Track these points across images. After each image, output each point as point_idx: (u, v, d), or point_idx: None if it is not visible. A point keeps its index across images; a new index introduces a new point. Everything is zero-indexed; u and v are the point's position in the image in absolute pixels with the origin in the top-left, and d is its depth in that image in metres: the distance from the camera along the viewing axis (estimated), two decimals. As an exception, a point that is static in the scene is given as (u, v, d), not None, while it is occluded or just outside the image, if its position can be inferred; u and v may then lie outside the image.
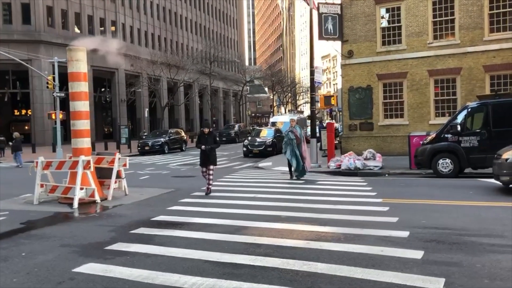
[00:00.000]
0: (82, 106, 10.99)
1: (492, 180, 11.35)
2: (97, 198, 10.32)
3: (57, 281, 5.15)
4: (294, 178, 14.48)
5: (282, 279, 4.98)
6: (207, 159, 11.28)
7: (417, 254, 5.69)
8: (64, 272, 5.46)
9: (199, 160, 11.90)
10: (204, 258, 5.82)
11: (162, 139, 32.28)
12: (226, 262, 5.66)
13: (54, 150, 29.81)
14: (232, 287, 4.80)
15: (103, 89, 51.36)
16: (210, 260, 5.73)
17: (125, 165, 11.22)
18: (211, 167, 11.30)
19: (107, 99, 51.63)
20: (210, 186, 11.35)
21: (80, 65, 10.86)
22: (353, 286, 4.73)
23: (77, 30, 46.49)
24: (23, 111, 48.04)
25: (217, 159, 12.19)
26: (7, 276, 5.37)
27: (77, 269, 5.53)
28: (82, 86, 10.96)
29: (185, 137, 37.08)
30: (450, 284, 4.68)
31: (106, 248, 6.48)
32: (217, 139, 11.65)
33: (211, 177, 11.34)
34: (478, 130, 13.79)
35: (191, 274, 5.22)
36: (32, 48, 39.61)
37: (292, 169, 14.63)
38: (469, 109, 14.13)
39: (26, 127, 45.73)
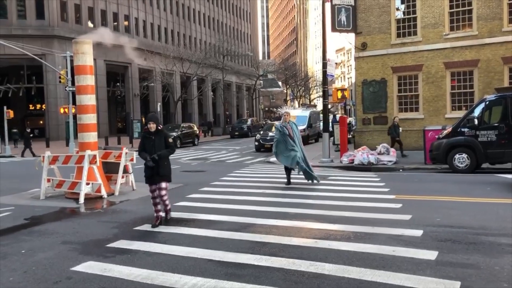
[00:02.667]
0: (89, 100, 10.83)
1: (511, 176, 10.91)
2: (103, 193, 10.17)
3: (53, 281, 4.97)
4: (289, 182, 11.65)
5: (287, 281, 4.73)
6: (155, 172, 7.40)
7: (431, 255, 5.38)
8: (62, 270, 5.29)
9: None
10: (207, 257, 5.60)
11: (174, 134, 32.14)
12: (230, 261, 5.42)
13: (67, 145, 29.92)
14: (234, 288, 4.57)
15: (117, 84, 51.53)
16: (213, 259, 5.51)
17: (132, 159, 11.05)
18: (163, 184, 7.46)
19: (121, 93, 51.79)
20: (160, 214, 7.51)
21: (86, 58, 10.69)
22: (362, 289, 4.45)
23: (90, 25, 46.58)
24: (38, 106, 48.42)
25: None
26: (4, 275, 5.21)
27: (75, 268, 5.35)
28: (88, 80, 10.80)
29: (197, 132, 36.98)
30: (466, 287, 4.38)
31: (108, 245, 6.30)
32: (171, 140, 7.66)
33: (165, 198, 7.54)
34: (496, 124, 13.32)
35: (193, 274, 5.00)
36: (46, 43, 39.78)
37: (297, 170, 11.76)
38: (487, 102, 13.66)
39: (41, 122, 46.11)
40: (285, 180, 11.76)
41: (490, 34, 19.06)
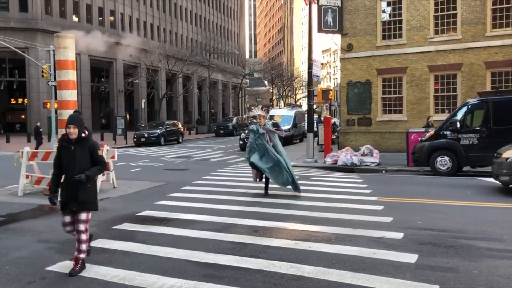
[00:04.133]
0: (70, 95, 10.63)
1: (491, 180, 11.04)
2: (83, 190, 9.97)
3: (27, 281, 4.85)
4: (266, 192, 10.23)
5: (266, 283, 4.69)
6: (72, 197, 5.08)
7: (411, 258, 5.39)
8: (36, 270, 5.17)
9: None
10: (186, 258, 5.53)
11: (158, 131, 31.88)
12: (209, 262, 5.35)
13: (49, 140, 29.44)
14: (212, 290, 4.50)
15: (101, 79, 50.92)
16: (192, 260, 5.44)
17: (113, 157, 10.88)
18: (83, 216, 5.15)
19: (105, 89, 51.19)
20: (81, 256, 5.10)
21: (68, 52, 10.48)
22: (341, 292, 4.43)
23: (75, 19, 45.95)
24: (20, 100, 47.58)
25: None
26: (-24, 274, 5.06)
27: (50, 268, 5.23)
28: (70, 75, 10.59)
29: (182, 129, 36.72)
30: (445, 292, 4.38)
31: (85, 244, 6.16)
32: (100, 154, 5.32)
33: (82, 236, 5.11)
34: (478, 128, 13.47)
35: (171, 276, 4.92)
36: (29, 36, 39.05)
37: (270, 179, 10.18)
38: (469, 106, 13.80)
39: (22, 116, 45.35)
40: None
41: (474, 38, 19.28)
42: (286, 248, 5.92)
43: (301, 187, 10.32)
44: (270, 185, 10.39)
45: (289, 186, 10.06)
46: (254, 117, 10.41)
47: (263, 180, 10.32)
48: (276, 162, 9.77)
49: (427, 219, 7.51)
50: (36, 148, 25.97)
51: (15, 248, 6.03)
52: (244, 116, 13.28)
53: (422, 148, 14.19)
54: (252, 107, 10.63)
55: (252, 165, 10.08)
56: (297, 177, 10.66)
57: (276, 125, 28.20)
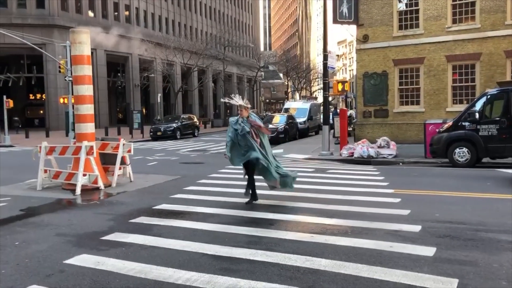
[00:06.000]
0: (86, 90, 10.71)
1: (511, 171, 10.82)
2: (100, 184, 10.10)
3: (46, 274, 4.90)
4: (250, 200, 8.39)
5: (282, 276, 4.66)
6: None
7: (429, 251, 5.30)
8: (55, 263, 5.22)
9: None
10: (202, 251, 5.53)
11: (174, 125, 32.07)
12: (225, 256, 5.35)
13: (67, 135, 29.84)
14: (228, 284, 4.49)
15: (117, 74, 51.31)
16: (208, 254, 5.44)
17: (129, 151, 10.97)
18: None
19: (121, 84, 51.59)
20: None
21: (83, 47, 10.56)
22: (358, 286, 4.38)
23: (91, 14, 46.32)
24: (38, 96, 48.28)
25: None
26: (-4, 267, 5.15)
27: (68, 261, 5.28)
28: (85, 70, 10.67)
29: (197, 123, 36.85)
30: (464, 285, 4.30)
31: (102, 238, 6.23)
32: None
33: None
34: (497, 118, 13.19)
35: (186, 269, 4.93)
36: (46, 32, 39.57)
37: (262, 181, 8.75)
38: (488, 96, 13.53)
39: (41, 111, 46.02)
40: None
41: (493, 27, 18.86)
42: (302, 241, 5.89)
43: (316, 180, 10.23)
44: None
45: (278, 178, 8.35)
46: (240, 106, 8.30)
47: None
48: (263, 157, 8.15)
49: (445, 211, 7.39)
50: None
51: (34, 242, 6.12)
52: (222, 100, 8.93)
53: (440, 139, 13.97)
54: (232, 95, 8.71)
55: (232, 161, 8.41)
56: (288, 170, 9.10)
57: (291, 118, 28.20)
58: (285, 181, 8.48)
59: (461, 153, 13.55)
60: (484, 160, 13.78)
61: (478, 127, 13.33)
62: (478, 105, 13.55)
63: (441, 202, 8.20)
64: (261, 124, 8.42)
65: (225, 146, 8.70)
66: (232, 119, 8.39)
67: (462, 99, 19.62)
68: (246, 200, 8.42)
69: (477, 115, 13.31)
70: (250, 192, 8.42)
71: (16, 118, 30.96)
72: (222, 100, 9.68)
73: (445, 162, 14.07)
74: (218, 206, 8.11)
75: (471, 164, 13.37)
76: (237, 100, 8.33)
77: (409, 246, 5.53)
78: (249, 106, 8.42)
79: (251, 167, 8.34)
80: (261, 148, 8.21)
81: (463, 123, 13.59)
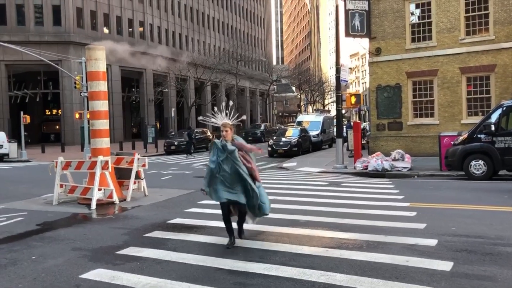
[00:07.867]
0: (101, 105, 10.87)
1: (529, 184, 10.65)
2: (115, 199, 10.18)
3: (62, 288, 4.95)
4: (235, 239, 6.61)
5: (296, 291, 4.63)
6: None
7: (446, 266, 5.23)
8: (71, 278, 5.26)
9: None
10: (216, 266, 5.53)
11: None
12: (239, 270, 5.34)
13: (82, 150, 30.19)
14: (242, 299, 4.48)
15: (132, 89, 51.95)
16: (222, 268, 5.43)
17: (144, 165, 11.04)
18: None
19: (136, 99, 52.18)
20: None
21: (99, 64, 10.75)
22: (374, 301, 4.33)
23: (106, 31, 47.13)
24: (54, 111, 49.09)
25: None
26: (13, 281, 5.21)
27: (84, 275, 5.32)
28: (101, 85, 10.85)
29: (211, 137, 37.00)
30: (483, 301, 4.23)
31: (117, 252, 6.27)
32: None
33: None
34: (514, 130, 13.03)
35: (201, 283, 4.93)
36: (62, 49, 40.31)
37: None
38: (504, 108, 13.39)
39: (57, 127, 46.72)
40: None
41: (507, 38, 18.73)
42: (317, 255, 5.85)
43: (330, 193, 10.15)
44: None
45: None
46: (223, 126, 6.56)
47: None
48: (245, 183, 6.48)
49: (462, 225, 7.29)
50: None
51: (50, 256, 6.18)
52: (199, 118, 6.88)
53: (455, 152, 13.83)
54: (213, 112, 6.83)
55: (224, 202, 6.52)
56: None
57: (304, 131, 28.14)
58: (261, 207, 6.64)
59: (477, 166, 13.39)
60: (501, 172, 13.60)
61: (494, 139, 13.18)
62: (494, 117, 13.41)
63: (457, 215, 8.09)
64: (247, 144, 6.83)
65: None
66: (216, 142, 6.52)
67: (477, 111, 19.42)
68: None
69: (492, 127, 13.17)
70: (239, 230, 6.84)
71: (25, 133, 31.55)
72: (199, 118, 7.45)
73: (460, 174, 13.91)
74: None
75: (488, 176, 13.20)
76: (218, 119, 6.65)
77: (425, 260, 5.46)
78: (231, 125, 6.61)
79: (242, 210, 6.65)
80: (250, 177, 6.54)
81: (479, 135, 13.46)
